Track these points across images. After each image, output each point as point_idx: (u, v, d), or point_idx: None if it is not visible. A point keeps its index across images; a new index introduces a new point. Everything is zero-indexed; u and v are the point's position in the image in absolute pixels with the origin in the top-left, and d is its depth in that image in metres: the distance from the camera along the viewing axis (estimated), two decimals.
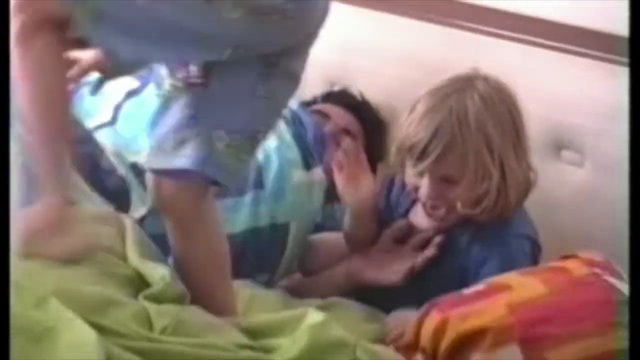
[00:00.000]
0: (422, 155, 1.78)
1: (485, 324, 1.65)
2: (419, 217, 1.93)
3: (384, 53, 2.27)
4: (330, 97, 2.26)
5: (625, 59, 1.98)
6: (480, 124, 1.79)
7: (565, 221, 2.12)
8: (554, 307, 1.73)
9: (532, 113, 1.95)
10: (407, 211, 1.96)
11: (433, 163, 1.78)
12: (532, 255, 1.87)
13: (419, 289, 1.85)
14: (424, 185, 1.82)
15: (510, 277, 1.79)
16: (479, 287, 1.75)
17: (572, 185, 2.15)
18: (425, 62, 2.21)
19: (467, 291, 1.74)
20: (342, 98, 2.26)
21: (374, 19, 2.29)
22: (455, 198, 1.83)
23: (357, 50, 2.30)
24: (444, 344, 1.63)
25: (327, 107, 2.20)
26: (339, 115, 2.20)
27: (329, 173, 2.02)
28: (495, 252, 1.85)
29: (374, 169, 2.05)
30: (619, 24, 1.93)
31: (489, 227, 1.87)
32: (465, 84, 1.84)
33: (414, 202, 1.94)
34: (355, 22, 2.30)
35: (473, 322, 1.66)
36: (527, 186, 1.87)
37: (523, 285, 1.75)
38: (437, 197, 1.84)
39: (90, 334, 1.35)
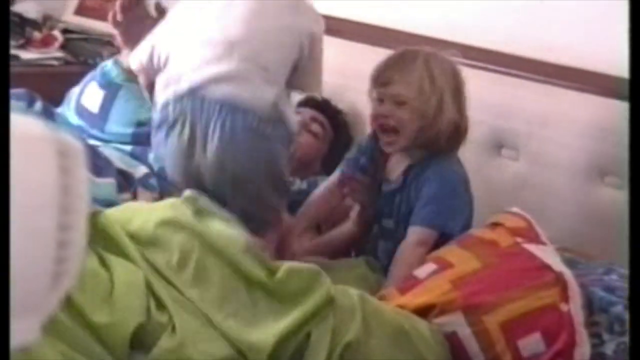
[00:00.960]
0: (381, 83, 2.26)
1: (433, 300, 2.09)
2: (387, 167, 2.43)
3: (353, 74, 2.76)
4: (306, 101, 2.80)
5: (557, 81, 2.54)
6: (428, 65, 2.23)
7: (504, 200, 2.51)
8: (487, 279, 2.10)
9: (480, 120, 2.45)
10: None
11: (388, 87, 2.23)
12: (464, 182, 2.31)
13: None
14: (382, 107, 2.30)
15: (452, 253, 2.19)
16: (431, 267, 2.18)
17: (509, 175, 2.63)
18: None
19: (421, 273, 2.18)
20: (308, 101, 2.78)
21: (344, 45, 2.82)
22: (403, 117, 2.27)
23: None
24: None
25: (300, 109, 2.74)
26: (307, 112, 2.75)
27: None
28: (433, 175, 2.30)
29: (340, 161, 2.56)
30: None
31: (431, 162, 2.33)
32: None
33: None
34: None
35: (425, 299, 2.10)
36: (459, 130, 2.30)
37: (462, 262, 2.14)
38: (390, 115, 2.30)
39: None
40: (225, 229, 2.04)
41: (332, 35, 2.68)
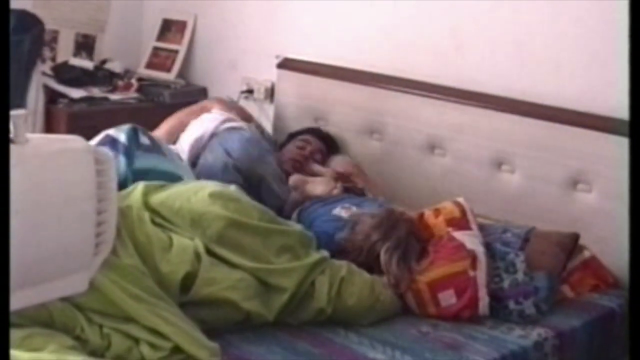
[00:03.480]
0: None
1: None
2: None
3: (342, 101, 3.56)
4: (309, 130, 3.53)
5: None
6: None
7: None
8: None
9: (487, 145, 3.09)
10: None
11: None
12: None
13: None
14: None
15: None
16: None
17: (508, 186, 3.15)
18: (365, 108, 3.48)
19: None
20: (314, 130, 3.52)
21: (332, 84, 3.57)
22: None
23: (328, 100, 3.59)
24: None
25: (308, 137, 3.45)
26: (314, 140, 3.41)
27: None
28: None
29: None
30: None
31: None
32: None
33: None
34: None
35: None
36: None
37: None
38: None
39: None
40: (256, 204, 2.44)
41: (317, 75, 3.55)
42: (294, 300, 2.32)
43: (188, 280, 2.17)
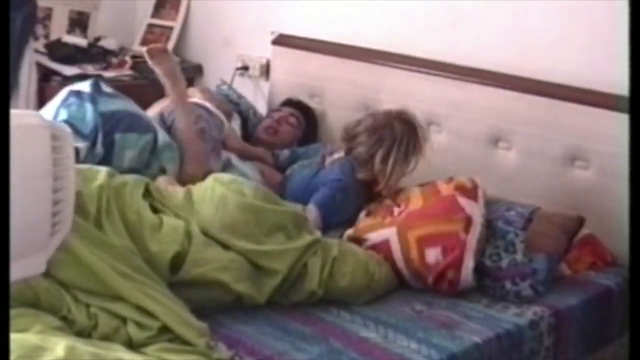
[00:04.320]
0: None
1: (387, 220, 2.59)
2: None
3: (337, 78, 3.54)
4: (286, 102, 3.59)
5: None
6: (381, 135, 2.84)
7: (501, 178, 3.06)
8: (422, 211, 2.59)
9: (483, 121, 3.07)
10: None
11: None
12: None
13: None
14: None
15: (414, 194, 2.64)
16: (401, 207, 2.63)
17: (505, 163, 3.12)
18: (361, 84, 3.46)
19: (395, 211, 2.62)
20: (291, 102, 3.57)
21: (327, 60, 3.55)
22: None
23: (323, 77, 3.58)
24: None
25: (280, 107, 3.53)
26: (284, 109, 3.51)
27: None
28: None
29: (310, 142, 3.36)
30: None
31: None
32: (389, 116, 2.89)
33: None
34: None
35: (385, 220, 2.59)
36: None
37: (414, 203, 2.62)
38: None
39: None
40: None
41: (312, 51, 3.54)
42: (285, 283, 2.31)
43: (178, 260, 2.16)
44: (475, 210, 2.59)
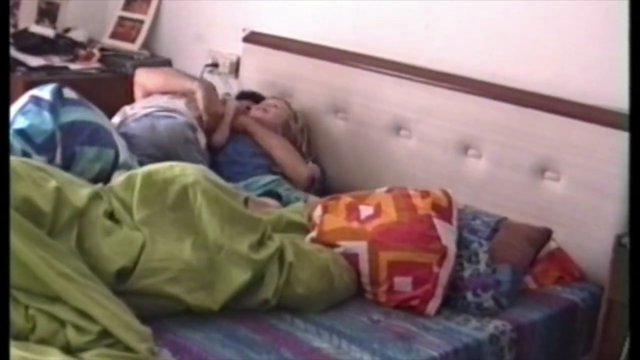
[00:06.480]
0: None
1: (357, 228, 2.46)
2: None
3: (307, 78, 3.48)
4: (242, 95, 3.55)
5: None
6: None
7: (470, 187, 3.01)
8: (395, 230, 2.45)
9: (454, 128, 3.00)
10: None
11: None
12: None
13: None
14: None
15: (386, 203, 2.50)
16: (369, 210, 2.50)
17: (474, 171, 3.05)
18: (331, 85, 3.40)
19: (363, 214, 2.49)
20: (244, 95, 3.53)
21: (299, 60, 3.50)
22: None
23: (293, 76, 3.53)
24: None
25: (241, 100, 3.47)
26: (245, 102, 3.43)
27: None
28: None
29: None
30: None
31: None
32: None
33: None
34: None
35: (354, 226, 2.46)
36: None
37: (387, 214, 2.47)
38: None
39: None
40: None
41: (283, 50, 3.48)
42: (241, 291, 2.24)
43: (126, 269, 2.11)
44: (450, 237, 2.50)
